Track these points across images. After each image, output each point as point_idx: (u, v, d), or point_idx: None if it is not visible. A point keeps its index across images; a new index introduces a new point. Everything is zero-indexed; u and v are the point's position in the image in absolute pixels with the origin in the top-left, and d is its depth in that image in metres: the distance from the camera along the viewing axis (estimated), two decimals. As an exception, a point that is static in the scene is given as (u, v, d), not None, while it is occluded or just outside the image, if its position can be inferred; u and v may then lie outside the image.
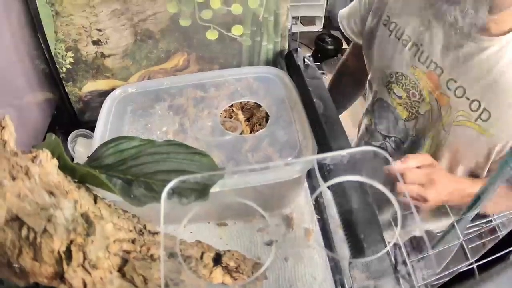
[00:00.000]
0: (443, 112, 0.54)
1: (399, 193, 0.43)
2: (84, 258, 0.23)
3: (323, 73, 1.98)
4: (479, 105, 0.50)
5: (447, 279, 0.27)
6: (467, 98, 0.51)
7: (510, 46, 0.48)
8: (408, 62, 0.57)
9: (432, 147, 0.57)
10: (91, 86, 0.55)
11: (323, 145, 0.39)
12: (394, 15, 0.58)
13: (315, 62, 0.54)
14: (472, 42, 0.50)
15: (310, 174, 0.47)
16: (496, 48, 0.48)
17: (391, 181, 0.41)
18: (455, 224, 0.31)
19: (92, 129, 0.46)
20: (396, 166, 0.47)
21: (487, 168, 0.53)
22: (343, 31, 0.70)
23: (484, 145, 0.51)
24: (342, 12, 0.70)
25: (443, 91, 0.53)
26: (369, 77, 0.66)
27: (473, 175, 0.55)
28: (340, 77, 0.79)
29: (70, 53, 0.51)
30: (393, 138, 0.63)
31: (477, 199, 0.31)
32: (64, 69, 0.53)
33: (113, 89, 0.52)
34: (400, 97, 0.59)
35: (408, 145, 0.61)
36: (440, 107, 0.54)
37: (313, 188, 0.48)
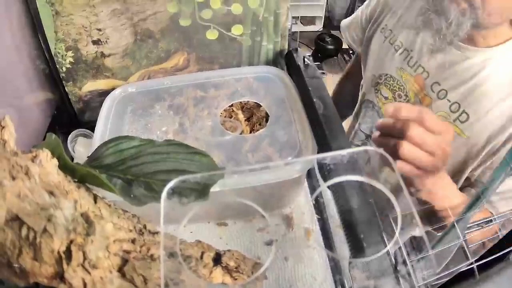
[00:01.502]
0: None
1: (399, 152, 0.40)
2: (84, 258, 0.23)
3: (323, 73, 1.99)
4: (459, 107, 0.54)
5: (447, 279, 0.27)
6: (448, 100, 0.55)
7: (492, 61, 0.52)
8: (398, 65, 0.61)
9: None
10: (91, 86, 0.55)
11: (323, 145, 0.39)
12: (391, 24, 0.64)
13: (315, 62, 0.57)
14: (458, 51, 0.54)
15: (310, 174, 0.47)
16: (481, 58, 0.52)
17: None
18: (455, 224, 0.31)
19: (92, 129, 0.46)
20: (407, 108, 0.42)
21: (462, 180, 0.56)
22: (345, 40, 0.77)
23: (462, 147, 0.54)
24: (344, 23, 0.77)
25: (427, 93, 0.57)
26: (362, 81, 0.71)
27: None
28: (345, 83, 0.85)
29: (70, 53, 0.51)
30: None
31: (477, 198, 0.31)
32: (64, 69, 0.53)
33: (113, 89, 0.52)
34: (386, 98, 0.63)
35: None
36: None
37: (313, 188, 0.48)
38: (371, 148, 0.28)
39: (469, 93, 0.53)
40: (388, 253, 0.28)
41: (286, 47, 0.58)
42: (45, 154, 0.26)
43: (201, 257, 0.29)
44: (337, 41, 2.14)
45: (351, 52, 2.19)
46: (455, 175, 0.55)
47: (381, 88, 0.64)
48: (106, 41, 0.52)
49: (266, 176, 0.37)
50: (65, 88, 0.55)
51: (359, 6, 0.75)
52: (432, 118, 0.41)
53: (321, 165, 0.34)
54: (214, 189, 0.29)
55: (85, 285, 0.23)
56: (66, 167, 0.28)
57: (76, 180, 0.29)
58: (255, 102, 0.50)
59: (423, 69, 0.58)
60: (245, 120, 0.49)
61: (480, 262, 0.26)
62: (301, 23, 2.26)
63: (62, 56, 0.52)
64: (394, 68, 0.62)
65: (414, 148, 0.41)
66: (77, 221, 0.24)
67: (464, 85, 0.53)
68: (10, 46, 0.46)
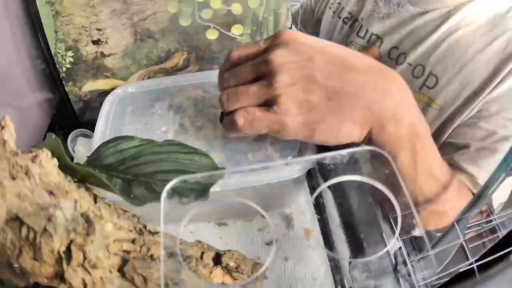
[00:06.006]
0: None
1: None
2: (84, 258, 0.23)
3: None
4: (423, 70, 0.46)
5: (447, 279, 0.27)
6: (409, 64, 0.47)
7: (461, 10, 0.45)
8: (347, 39, 0.55)
9: None
10: (91, 85, 0.55)
11: (323, 145, 0.39)
12: None
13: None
14: (412, 6, 0.48)
15: (310, 174, 0.47)
16: (442, 11, 0.46)
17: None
18: (455, 224, 0.31)
19: (92, 129, 0.46)
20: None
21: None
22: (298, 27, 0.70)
23: (433, 121, 0.47)
24: (295, 9, 0.71)
25: (383, 62, 0.51)
26: None
27: None
28: None
29: (70, 53, 0.52)
30: None
31: (477, 198, 0.31)
32: (64, 69, 0.53)
33: (113, 89, 0.52)
34: None
35: None
36: None
37: (313, 188, 0.48)
38: (371, 148, 0.28)
39: (433, 50, 0.46)
40: (388, 253, 0.28)
41: (286, 47, 0.58)
42: (45, 154, 0.26)
43: (201, 257, 0.29)
44: (337, 41, 2.14)
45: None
46: None
47: None
48: (106, 41, 0.52)
49: (266, 176, 0.37)
50: (65, 88, 0.55)
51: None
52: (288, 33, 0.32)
53: (321, 165, 0.34)
54: (214, 189, 0.29)
55: (85, 285, 0.23)
56: (66, 167, 0.28)
57: (76, 180, 0.29)
58: (255, 102, 0.50)
59: (376, 37, 0.51)
60: (245, 120, 0.49)
61: (480, 262, 0.26)
62: (301, 23, 2.26)
63: (62, 56, 0.52)
64: (343, 43, 0.56)
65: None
66: (77, 221, 0.24)
67: (424, 42, 0.47)
68: (10, 46, 0.46)
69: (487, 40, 0.45)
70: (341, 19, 0.57)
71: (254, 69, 0.32)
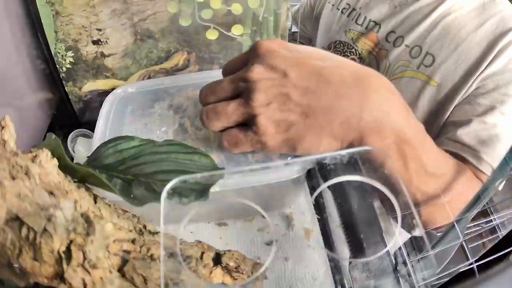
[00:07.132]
0: (381, 68, 0.53)
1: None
2: (84, 258, 0.23)
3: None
4: (420, 50, 0.49)
5: (447, 279, 0.27)
6: (407, 46, 0.50)
7: None
8: (345, 28, 0.58)
9: None
10: (91, 86, 0.55)
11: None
12: None
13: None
14: None
15: (310, 174, 0.47)
16: None
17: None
18: (455, 224, 0.31)
19: (92, 129, 0.46)
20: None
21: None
22: (299, 30, 0.73)
23: (432, 99, 0.48)
24: (294, 10, 0.73)
25: (382, 46, 0.53)
26: None
27: None
28: None
29: (70, 53, 0.52)
30: None
31: (477, 198, 0.31)
32: (64, 69, 0.53)
33: (113, 89, 0.52)
34: None
35: None
36: (379, 64, 0.53)
37: (313, 188, 0.48)
38: (371, 148, 0.28)
39: (428, 32, 0.49)
40: (388, 253, 0.28)
41: (286, 47, 0.58)
42: (45, 154, 0.26)
43: (201, 257, 0.29)
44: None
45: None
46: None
47: None
48: (106, 41, 0.52)
49: (266, 176, 0.37)
50: (65, 88, 0.55)
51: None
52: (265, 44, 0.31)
53: (321, 165, 0.34)
54: (214, 189, 0.29)
55: (85, 285, 0.23)
56: (66, 167, 0.28)
57: (76, 180, 0.29)
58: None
59: (374, 23, 0.55)
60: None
61: (480, 262, 0.26)
62: (301, 23, 2.26)
63: (62, 56, 0.52)
64: (342, 33, 0.59)
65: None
66: (77, 221, 0.24)
67: (421, 25, 0.49)
68: (10, 46, 0.46)
69: (479, 22, 0.47)
70: (340, 10, 0.60)
71: (232, 86, 0.32)
